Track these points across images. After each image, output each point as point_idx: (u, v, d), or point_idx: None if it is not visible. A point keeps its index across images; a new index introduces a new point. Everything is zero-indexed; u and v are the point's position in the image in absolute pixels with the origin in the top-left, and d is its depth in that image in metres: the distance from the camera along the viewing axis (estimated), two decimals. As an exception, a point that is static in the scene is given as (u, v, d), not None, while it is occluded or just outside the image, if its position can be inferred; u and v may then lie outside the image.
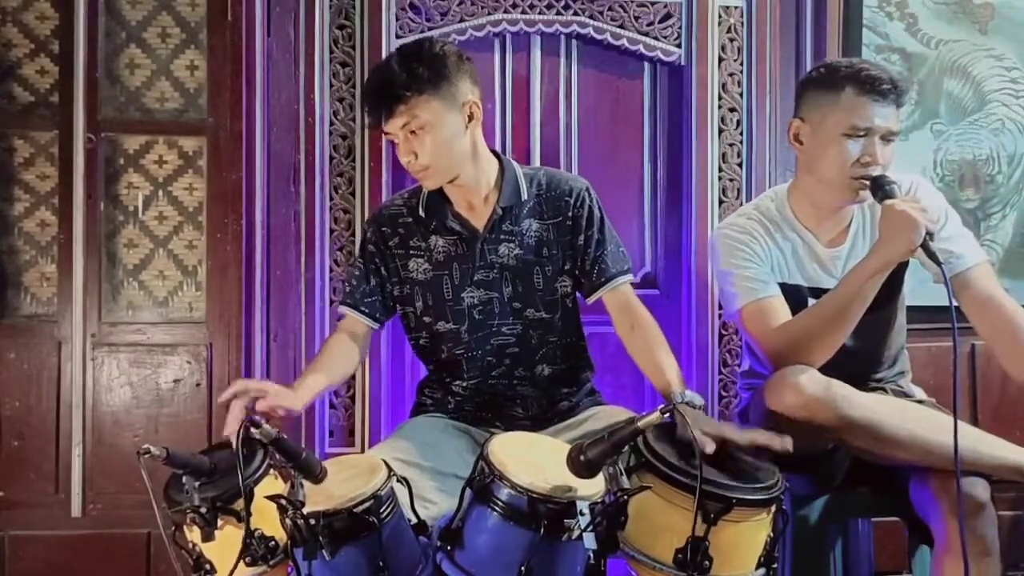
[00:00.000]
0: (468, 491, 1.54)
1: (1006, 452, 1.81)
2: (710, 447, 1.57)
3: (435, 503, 1.75)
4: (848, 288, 1.86)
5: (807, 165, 2.00)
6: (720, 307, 2.71)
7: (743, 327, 2.01)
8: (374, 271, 2.02)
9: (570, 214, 2.00)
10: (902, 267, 2.04)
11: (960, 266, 1.94)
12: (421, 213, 2.00)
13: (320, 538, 1.43)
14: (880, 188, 1.85)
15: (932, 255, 1.76)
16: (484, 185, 1.97)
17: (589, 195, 2.02)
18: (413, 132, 1.85)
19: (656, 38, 2.70)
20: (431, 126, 1.85)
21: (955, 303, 1.76)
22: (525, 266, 1.99)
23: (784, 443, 1.64)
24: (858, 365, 2.03)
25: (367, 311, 2.02)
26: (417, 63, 1.85)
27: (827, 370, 1.89)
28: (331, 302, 2.59)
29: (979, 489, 1.76)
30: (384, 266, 2.02)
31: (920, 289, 2.17)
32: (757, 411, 1.94)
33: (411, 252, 2.01)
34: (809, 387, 1.80)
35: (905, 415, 1.84)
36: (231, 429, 1.63)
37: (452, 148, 1.88)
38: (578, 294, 2.07)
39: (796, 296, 1.99)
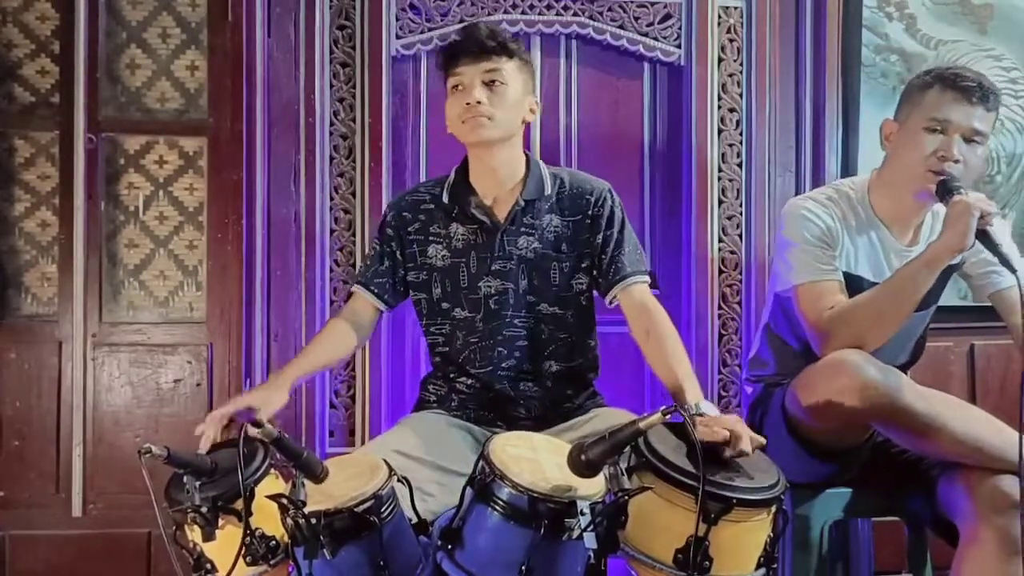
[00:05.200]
0: (469, 490, 1.54)
1: None
2: (723, 435, 1.57)
3: (433, 496, 1.76)
4: (906, 275, 1.88)
5: (892, 161, 2.04)
6: (720, 307, 2.72)
7: (795, 303, 2.00)
8: (389, 254, 2.05)
9: (590, 212, 2.01)
10: (947, 274, 2.05)
11: (1007, 282, 1.97)
12: (445, 200, 2.02)
13: (321, 537, 1.44)
14: (947, 191, 1.87)
15: (992, 245, 1.79)
16: (513, 176, 2.00)
17: (611, 196, 2.04)
18: (490, 84, 1.92)
19: (656, 38, 2.71)
20: (508, 89, 1.94)
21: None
22: (543, 260, 2.00)
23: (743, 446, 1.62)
24: (896, 362, 2.04)
25: (376, 291, 2.04)
26: (516, 44, 1.98)
27: None
28: (331, 302, 2.59)
29: (1013, 488, 1.75)
30: (400, 251, 2.04)
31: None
32: (792, 401, 1.93)
33: (431, 238, 2.03)
34: (869, 371, 1.80)
35: (961, 411, 1.84)
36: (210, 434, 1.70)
37: (515, 116, 1.97)
38: (595, 293, 2.07)
39: (857, 287, 1.99)
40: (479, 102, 1.90)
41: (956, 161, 1.91)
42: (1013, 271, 1.76)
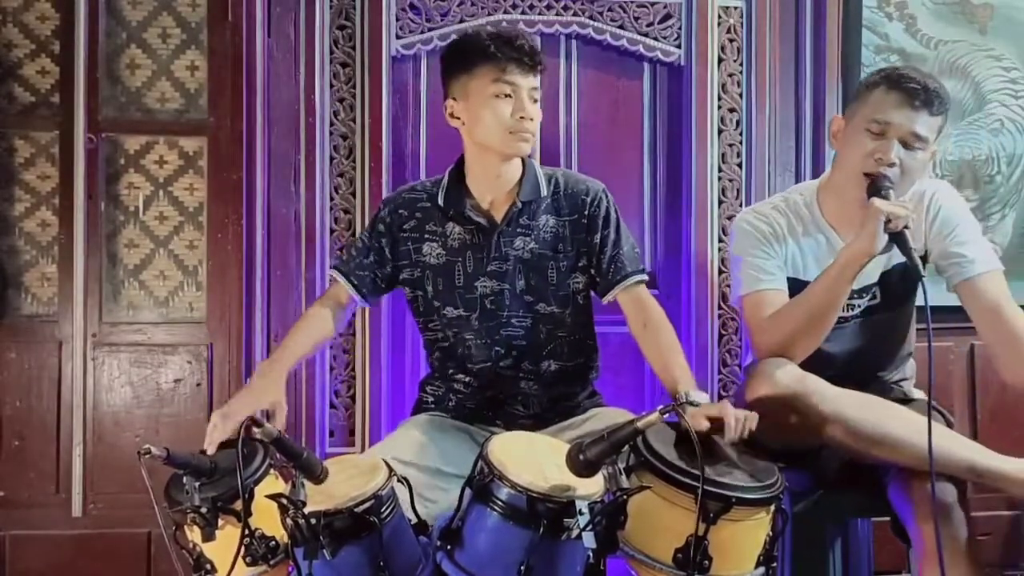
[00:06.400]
0: (468, 491, 1.55)
1: (973, 453, 1.81)
2: (704, 424, 1.60)
3: (434, 501, 1.77)
4: (823, 281, 1.88)
5: (837, 161, 2.02)
6: (720, 307, 2.73)
7: (742, 315, 2.03)
8: (376, 249, 2.05)
9: (586, 212, 2.02)
10: (910, 274, 2.05)
11: (971, 271, 1.96)
12: (440, 202, 2.02)
13: (321, 538, 1.44)
14: (876, 190, 1.86)
15: (906, 250, 1.78)
16: (511, 179, 2.01)
17: (606, 196, 2.05)
18: (533, 100, 1.94)
19: (656, 38, 2.71)
20: (538, 106, 1.96)
21: (930, 301, 1.74)
22: (539, 260, 2.01)
23: (739, 425, 1.65)
24: (863, 363, 2.04)
25: (356, 283, 2.04)
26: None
27: (832, 367, 1.90)
28: (331, 302, 2.59)
29: (945, 491, 1.76)
30: (391, 247, 2.04)
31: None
32: (739, 406, 1.95)
33: (426, 236, 2.03)
34: (783, 379, 1.82)
35: (877, 412, 1.83)
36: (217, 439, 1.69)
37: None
38: (592, 293, 2.08)
39: None
40: (532, 118, 1.93)
41: (891, 165, 1.87)
42: (920, 277, 1.75)
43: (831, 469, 1.98)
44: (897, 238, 1.79)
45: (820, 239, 2.03)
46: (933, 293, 2.14)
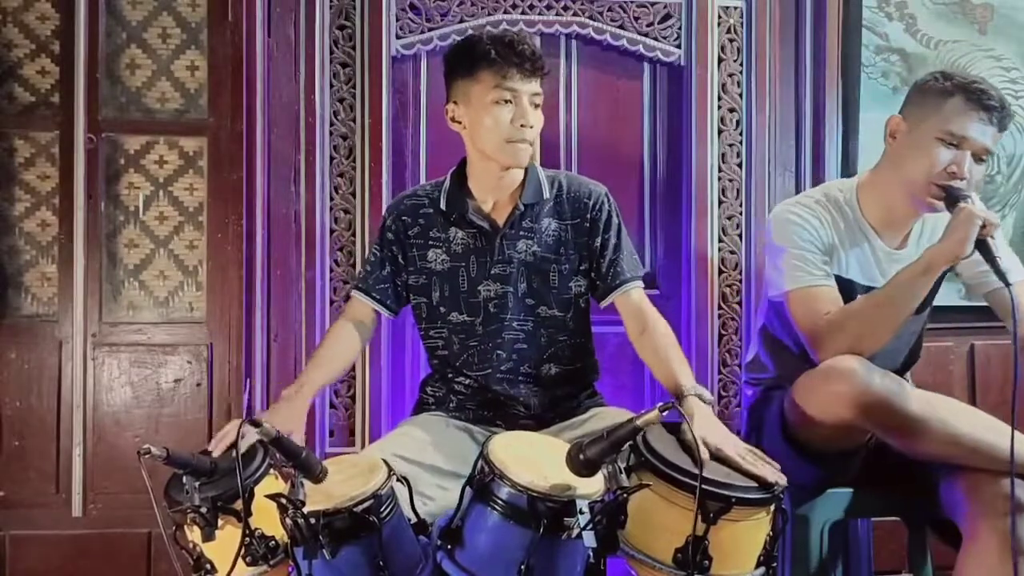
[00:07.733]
0: (468, 490, 1.55)
1: None
2: (704, 453, 1.58)
3: (433, 499, 1.77)
4: (902, 281, 1.87)
5: (893, 163, 1.99)
6: (720, 307, 2.72)
7: (788, 309, 1.99)
8: (390, 259, 2.05)
9: (588, 216, 2.02)
10: (941, 275, 2.05)
11: (998, 282, 1.96)
12: (442, 206, 2.02)
13: (320, 538, 1.44)
14: (954, 199, 1.86)
15: (990, 257, 1.79)
16: (513, 182, 2.00)
17: (608, 200, 2.05)
18: (533, 107, 1.92)
19: (656, 38, 2.71)
20: (540, 111, 1.95)
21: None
22: (542, 263, 2.01)
23: (777, 478, 1.63)
24: (891, 364, 2.03)
25: (379, 297, 2.04)
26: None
27: None
28: (331, 302, 2.59)
29: (1019, 490, 1.75)
30: (402, 255, 2.04)
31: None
32: (791, 407, 1.93)
33: (430, 242, 2.03)
34: (867, 377, 1.79)
35: (958, 413, 1.83)
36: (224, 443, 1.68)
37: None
38: (591, 296, 2.08)
39: (848, 291, 1.98)
40: (532, 126, 1.91)
41: (963, 178, 1.88)
42: (1007, 284, 1.75)
43: (854, 468, 1.98)
44: (982, 245, 1.80)
45: (861, 238, 2.02)
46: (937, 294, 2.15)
